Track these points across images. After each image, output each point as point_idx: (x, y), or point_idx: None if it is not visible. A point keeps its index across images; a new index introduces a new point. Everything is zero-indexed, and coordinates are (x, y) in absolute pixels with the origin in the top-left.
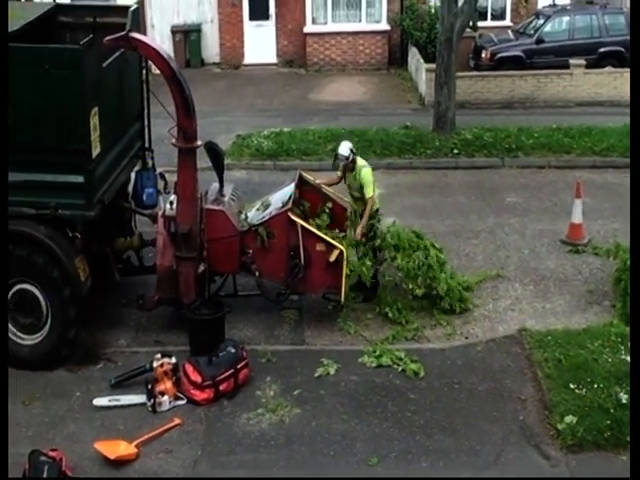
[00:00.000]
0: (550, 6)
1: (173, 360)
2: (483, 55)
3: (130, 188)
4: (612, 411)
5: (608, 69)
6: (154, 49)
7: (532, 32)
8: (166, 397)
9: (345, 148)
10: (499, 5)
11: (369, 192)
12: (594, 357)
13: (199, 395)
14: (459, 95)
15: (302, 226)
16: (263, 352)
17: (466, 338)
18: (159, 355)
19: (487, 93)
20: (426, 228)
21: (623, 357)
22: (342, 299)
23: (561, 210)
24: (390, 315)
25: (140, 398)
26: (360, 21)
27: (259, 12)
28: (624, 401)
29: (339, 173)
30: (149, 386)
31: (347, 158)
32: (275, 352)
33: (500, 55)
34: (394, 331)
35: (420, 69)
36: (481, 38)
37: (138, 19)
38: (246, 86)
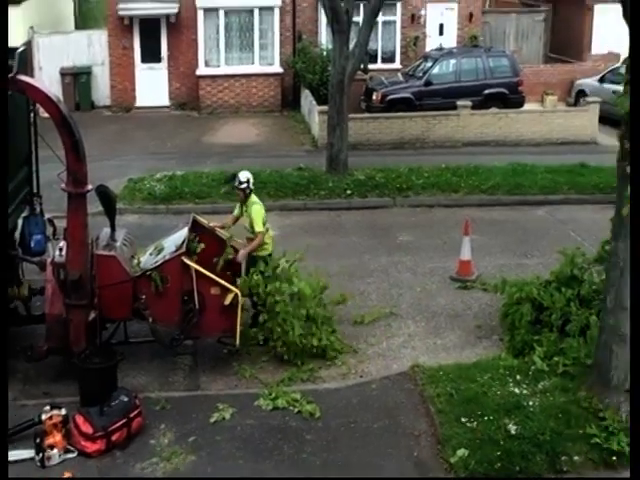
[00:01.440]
0: (438, 49)
1: (63, 412)
2: (374, 97)
3: (17, 235)
4: (502, 442)
5: (493, 110)
6: (43, 92)
7: (421, 74)
8: (55, 450)
9: (245, 174)
10: (389, 48)
11: (258, 227)
12: (484, 390)
13: (90, 447)
14: (351, 137)
15: (196, 270)
16: (157, 399)
17: (361, 377)
18: (48, 407)
19: (378, 134)
20: (320, 268)
21: (511, 389)
22: (237, 342)
23: (451, 247)
24: (286, 357)
25: (28, 453)
26: (253, 64)
27: (151, 54)
28: (513, 432)
29: (235, 212)
30: (37, 440)
31: (243, 183)
32: (169, 399)
33: (390, 97)
34: (290, 373)
35: (313, 111)
36: (372, 80)
37: (26, 61)
38: (138, 129)
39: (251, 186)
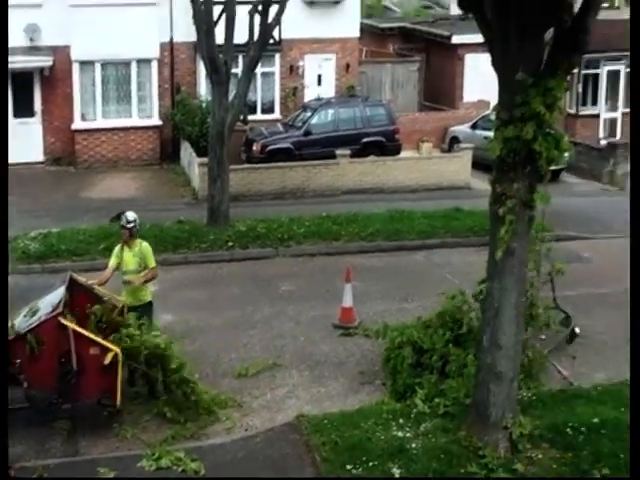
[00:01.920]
0: (316, 99)
1: None
2: (254, 148)
3: None
4: None
5: (371, 158)
6: None
7: (300, 124)
8: None
9: (132, 214)
10: (268, 99)
11: (152, 262)
12: (368, 436)
13: None
14: (232, 188)
15: (74, 330)
16: (34, 468)
17: (246, 430)
18: None
19: (259, 185)
20: (203, 322)
21: (395, 433)
22: (118, 403)
23: (333, 295)
24: (169, 415)
25: None
26: (131, 116)
27: (24, 109)
28: (397, 476)
29: (112, 262)
30: None
31: (131, 222)
32: (47, 467)
33: (271, 147)
34: (173, 431)
35: (193, 163)
36: (252, 131)
37: None
38: (11, 186)
39: (138, 226)
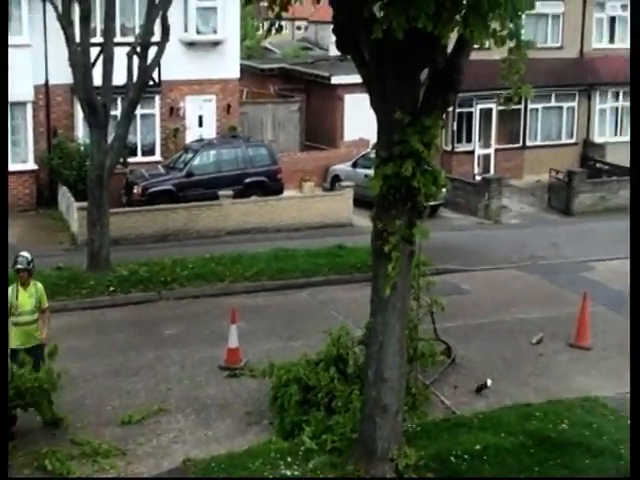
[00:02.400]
0: (198, 140)
1: None
2: (135, 190)
3: None
4: None
5: (254, 198)
6: None
7: (182, 166)
8: None
9: (28, 254)
10: (148, 141)
11: (46, 302)
12: (256, 477)
13: None
14: (113, 231)
15: None
16: None
17: None
18: None
19: (141, 228)
20: (84, 370)
21: (283, 472)
22: None
23: (218, 337)
24: (49, 467)
25: None
26: None
27: None
28: None
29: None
30: None
31: (31, 262)
32: None
33: (152, 190)
34: None
35: (71, 208)
36: (132, 174)
37: None
38: None
39: (34, 265)
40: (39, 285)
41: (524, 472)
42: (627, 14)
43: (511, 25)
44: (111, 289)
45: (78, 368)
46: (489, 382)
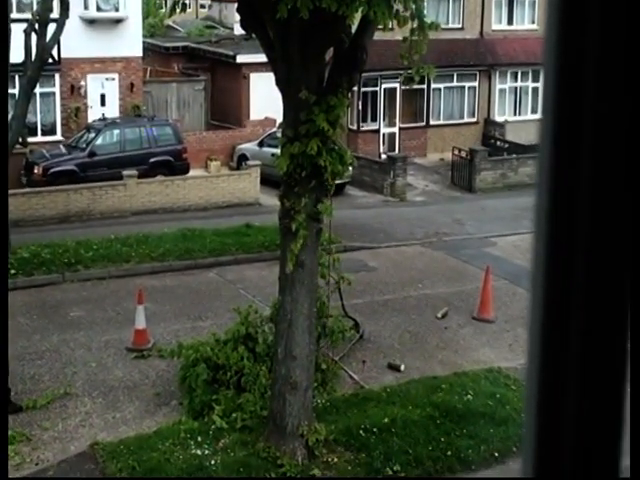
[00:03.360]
0: (100, 120)
1: None
2: (35, 171)
3: None
4: None
5: (159, 178)
6: None
7: (84, 146)
8: None
9: None
10: (49, 120)
11: None
12: (166, 457)
13: None
14: (12, 213)
15: None
16: None
17: (36, 464)
18: None
19: (42, 209)
20: None
21: (193, 451)
22: None
23: (125, 318)
24: None
25: None
26: None
27: None
28: None
29: None
30: None
31: None
32: None
33: (53, 170)
34: None
35: None
36: (32, 154)
37: None
38: None
39: None
40: None
41: (431, 443)
42: None
43: (413, 6)
44: (12, 272)
45: None
46: (402, 367)
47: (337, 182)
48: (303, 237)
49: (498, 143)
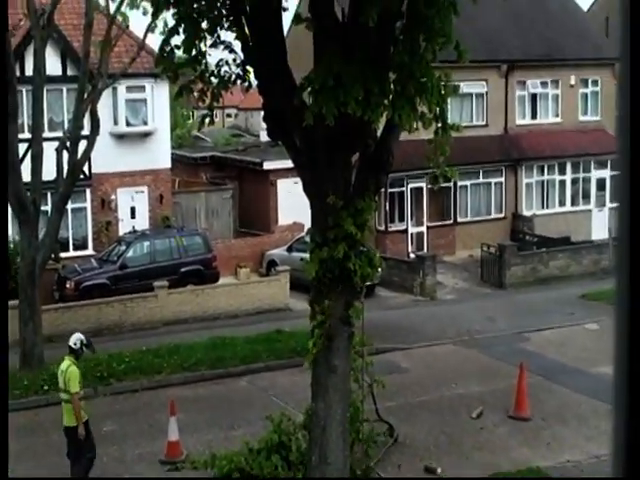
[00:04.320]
0: (131, 232)
1: None
2: (68, 286)
3: None
4: None
5: (190, 287)
6: None
7: (115, 259)
8: None
9: (78, 336)
10: (80, 235)
11: (75, 387)
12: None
13: None
14: (45, 329)
15: None
16: None
17: None
18: None
19: (74, 324)
20: (18, 474)
21: None
22: None
23: (158, 430)
24: None
25: None
26: None
27: None
28: None
29: None
30: None
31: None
32: None
33: (85, 284)
34: None
35: None
36: (65, 269)
37: None
38: None
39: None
40: (70, 367)
41: None
42: (547, 91)
43: (437, 108)
44: (45, 388)
45: (11, 472)
46: (439, 470)
47: (367, 284)
48: (319, 337)
49: (527, 237)
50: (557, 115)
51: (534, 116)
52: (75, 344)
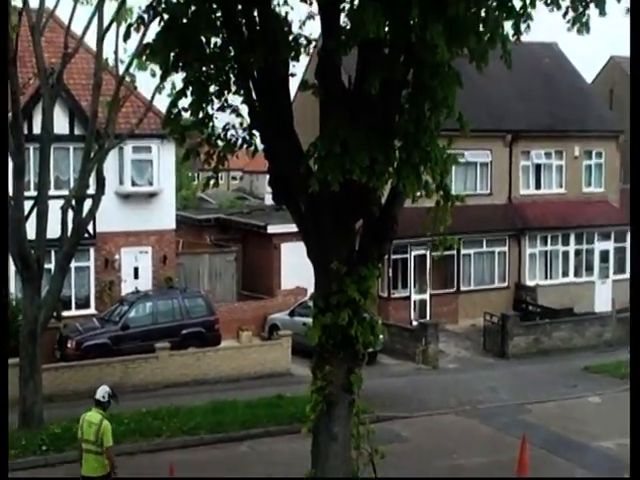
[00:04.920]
0: (134, 292)
1: None
2: (69, 345)
3: None
4: None
5: (191, 350)
6: None
7: (117, 319)
8: None
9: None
10: (83, 294)
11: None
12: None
13: None
14: (46, 388)
15: None
16: None
17: None
18: None
19: (74, 383)
20: None
21: None
22: None
23: None
24: None
25: None
26: None
27: None
28: None
29: None
30: None
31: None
32: None
33: (86, 344)
34: None
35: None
36: (66, 328)
37: None
38: None
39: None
40: (103, 421)
41: None
42: (551, 161)
43: (439, 178)
44: (43, 448)
45: None
46: None
47: (369, 351)
48: (316, 402)
49: (530, 308)
50: (561, 186)
51: (538, 186)
52: (103, 397)
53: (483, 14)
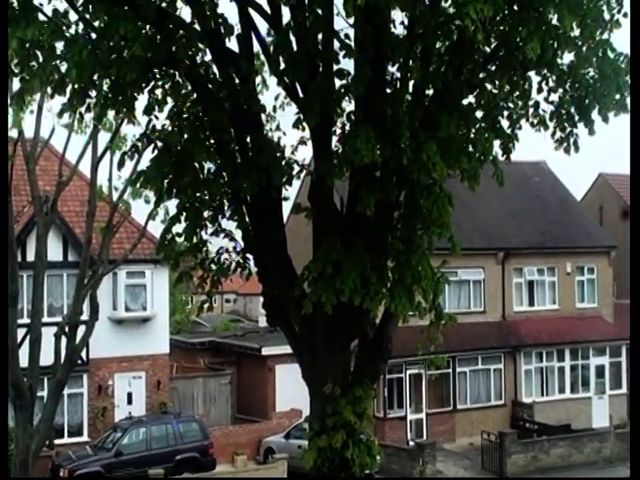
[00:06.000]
0: (127, 418)
1: None
2: (61, 474)
3: None
4: None
5: (186, 475)
6: None
7: (110, 446)
8: None
9: None
10: (76, 421)
11: None
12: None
13: None
14: None
15: None
16: None
17: None
18: None
19: None
20: None
21: None
22: None
23: None
24: None
25: None
26: None
27: None
28: None
29: None
30: None
31: None
32: None
33: (79, 472)
34: None
35: None
36: (58, 456)
37: None
38: None
39: None
40: None
41: None
42: (544, 278)
43: (432, 297)
44: None
45: None
46: None
47: (366, 472)
48: None
49: (527, 425)
50: (554, 302)
51: (531, 303)
52: None
53: (473, 135)
